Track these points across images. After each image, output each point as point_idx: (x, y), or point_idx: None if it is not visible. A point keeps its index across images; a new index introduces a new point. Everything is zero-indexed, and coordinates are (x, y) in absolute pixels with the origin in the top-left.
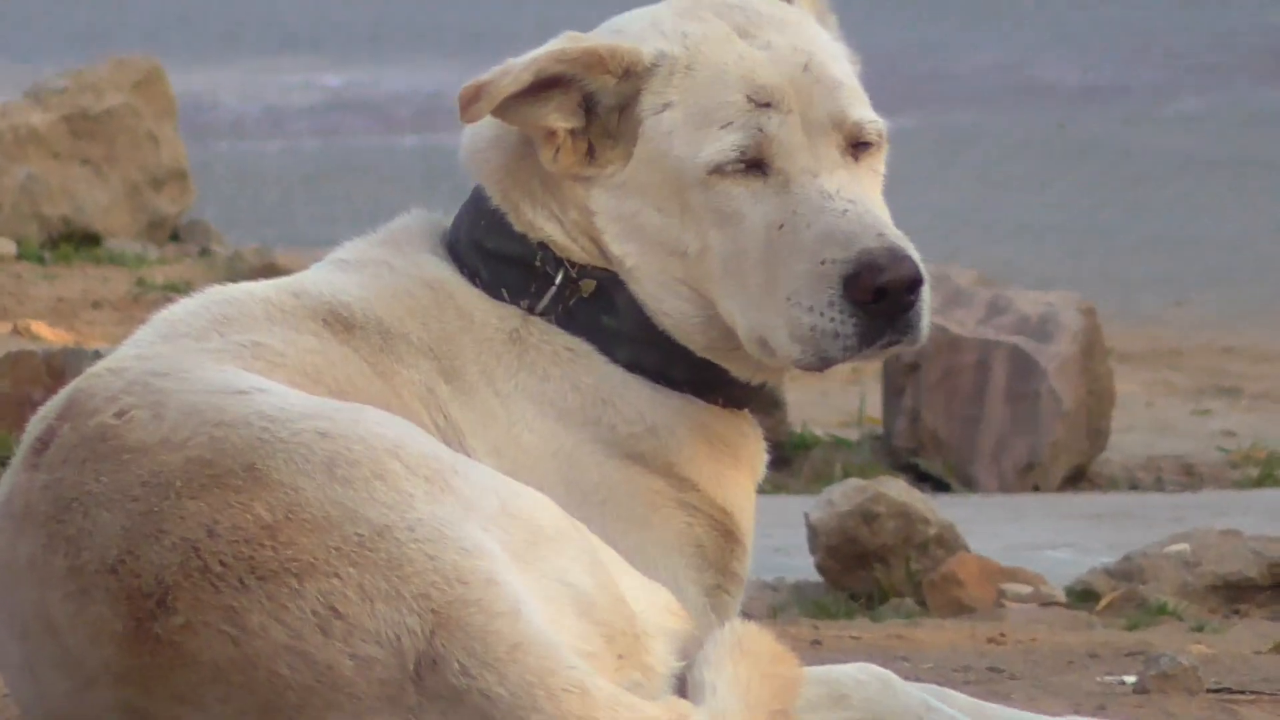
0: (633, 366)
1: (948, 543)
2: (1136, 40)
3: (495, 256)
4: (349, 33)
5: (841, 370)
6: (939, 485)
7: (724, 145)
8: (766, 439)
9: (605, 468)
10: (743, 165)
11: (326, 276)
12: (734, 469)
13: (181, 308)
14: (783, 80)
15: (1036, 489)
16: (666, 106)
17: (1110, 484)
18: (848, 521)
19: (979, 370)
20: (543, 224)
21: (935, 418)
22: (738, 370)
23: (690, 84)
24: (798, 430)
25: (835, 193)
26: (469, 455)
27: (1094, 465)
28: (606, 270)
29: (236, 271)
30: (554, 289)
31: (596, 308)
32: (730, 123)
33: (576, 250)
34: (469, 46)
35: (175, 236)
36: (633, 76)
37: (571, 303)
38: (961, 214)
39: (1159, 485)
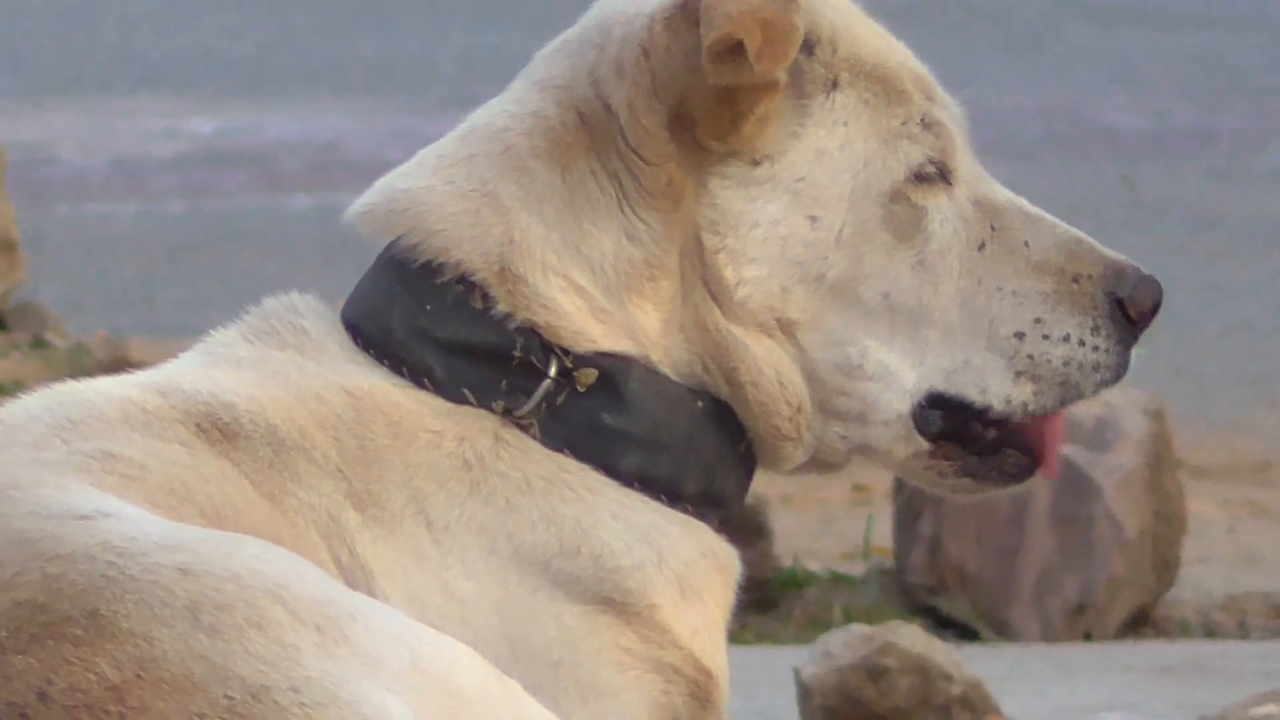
0: (639, 478)
1: (976, 705)
2: (1220, 78)
3: (452, 349)
4: (224, 67)
5: (840, 489)
6: (966, 633)
7: (921, 146)
8: (747, 576)
9: (566, 619)
10: (935, 170)
11: (205, 372)
12: (714, 611)
13: (15, 409)
14: (924, 70)
15: (1089, 637)
16: (835, 86)
17: (1181, 630)
18: (850, 678)
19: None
20: (550, 298)
21: (962, 547)
22: (786, 461)
23: (854, 63)
24: (787, 565)
25: (1021, 201)
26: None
27: (1161, 606)
28: (612, 355)
29: (80, 367)
30: (543, 387)
31: (595, 405)
32: (912, 118)
33: (587, 330)
34: (372, 85)
35: (1, 324)
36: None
37: (560, 401)
38: None
39: (1242, 631)
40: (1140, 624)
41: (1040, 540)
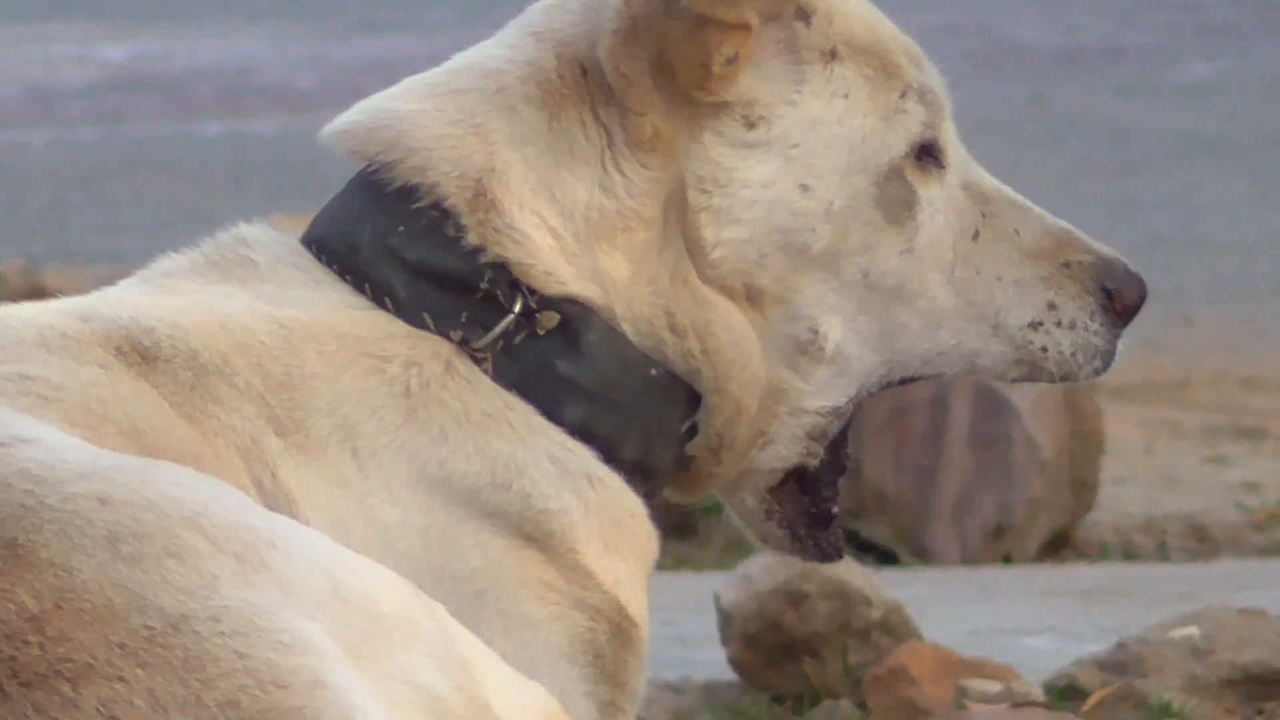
0: (580, 430)
1: (895, 629)
2: None
3: (420, 272)
4: None
5: None
6: (885, 557)
7: (915, 118)
8: (665, 501)
9: (490, 550)
10: (928, 147)
11: (129, 299)
12: (636, 570)
13: None
14: (911, 40)
15: (1008, 559)
16: (834, 57)
17: (1101, 552)
18: (770, 604)
19: (934, 409)
20: (523, 232)
21: (880, 470)
22: (729, 448)
23: (850, 36)
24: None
25: (1004, 188)
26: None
27: (1080, 528)
28: (576, 301)
29: None
30: (504, 322)
31: (550, 349)
32: (910, 91)
33: (557, 272)
34: (284, 10)
35: None
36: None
37: (518, 340)
38: None
39: (1162, 553)
40: (1060, 546)
41: (958, 461)
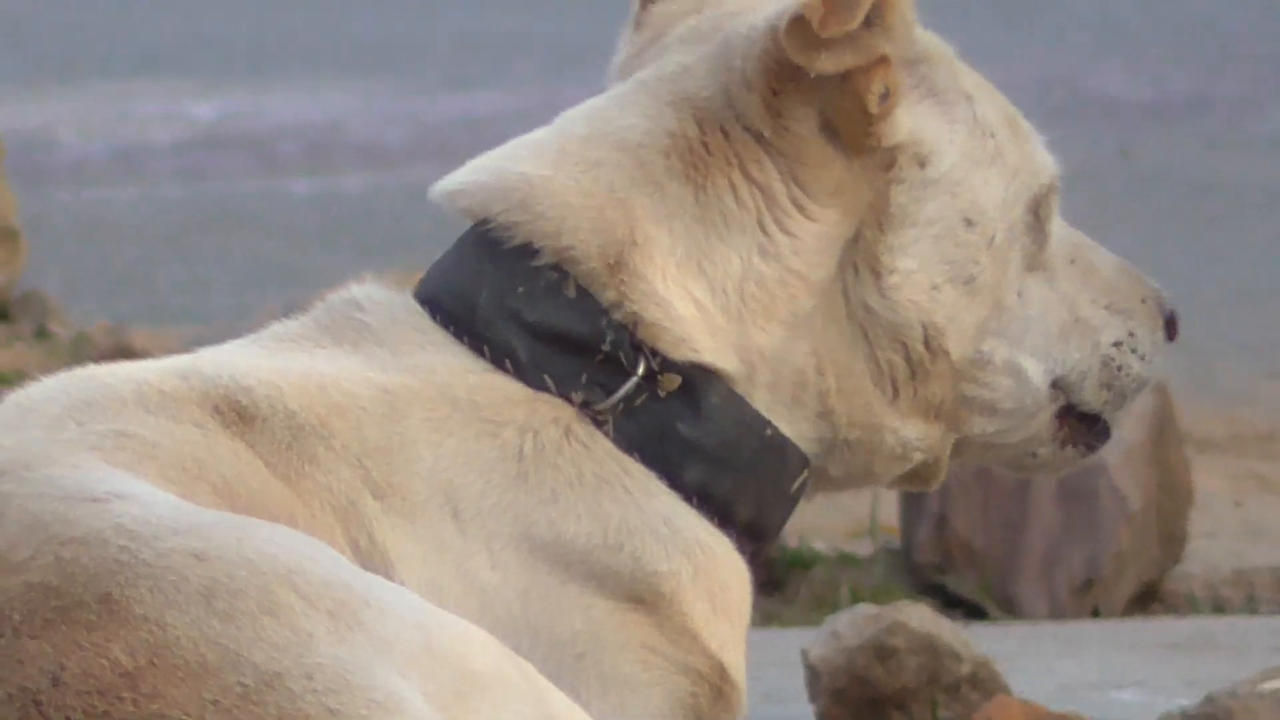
0: (699, 493)
1: (984, 683)
2: (1216, 44)
3: (540, 333)
4: (222, 50)
5: None
6: (973, 611)
7: (1048, 161)
8: (755, 560)
9: (594, 612)
10: (1048, 189)
11: (232, 357)
12: (740, 632)
13: (33, 391)
14: None
15: (1096, 613)
16: (971, 99)
17: (1189, 605)
18: (858, 659)
19: None
20: (664, 299)
21: (967, 524)
22: (895, 459)
23: (969, 78)
24: (793, 545)
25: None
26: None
27: (1168, 581)
28: (700, 366)
29: (82, 356)
30: (627, 385)
31: (672, 411)
32: (1031, 134)
33: (692, 340)
34: (371, 66)
35: (3, 313)
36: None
37: (639, 402)
38: None
39: (1250, 606)
40: (1148, 599)
41: (1046, 514)
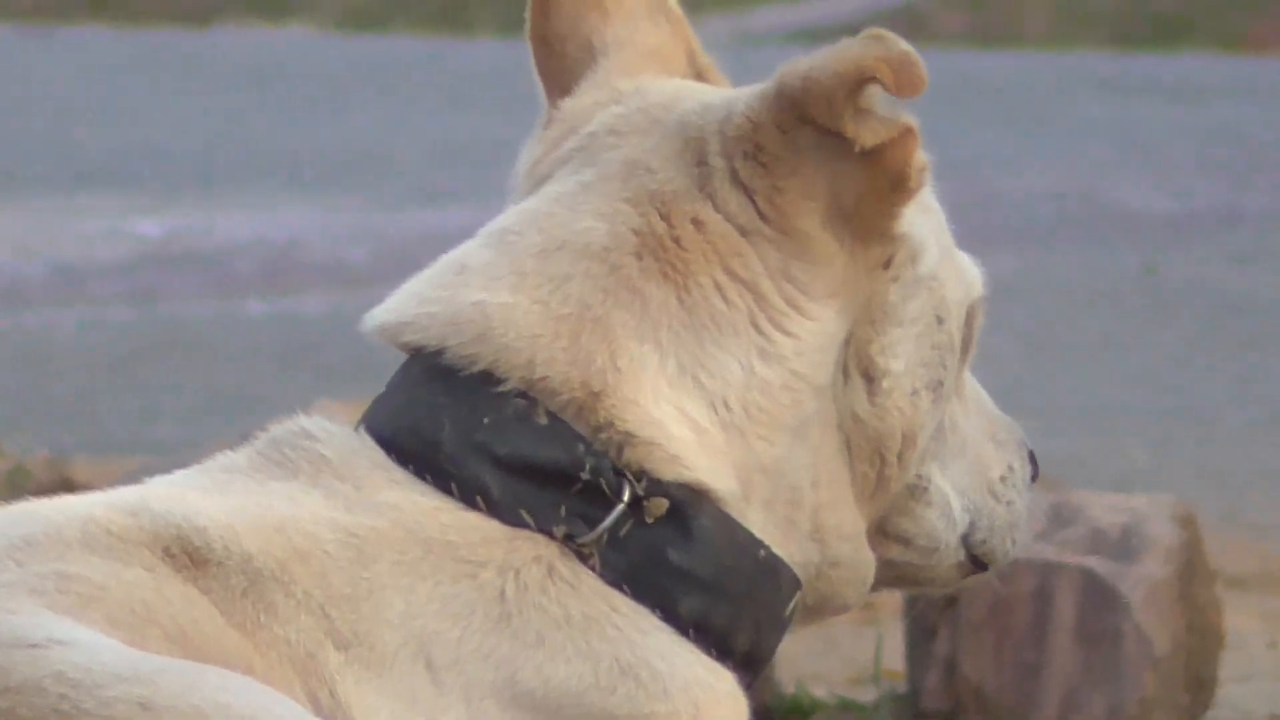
0: (696, 624)
1: None
2: (1245, 154)
3: (513, 467)
4: (171, 163)
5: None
6: None
7: (981, 281)
8: (750, 704)
9: None
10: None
11: (184, 493)
12: None
13: None
14: None
15: None
16: (929, 210)
17: None
18: None
19: (1038, 602)
20: (655, 420)
21: (979, 668)
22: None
23: None
24: (789, 691)
25: None
26: None
27: None
28: (687, 486)
29: (19, 489)
30: (614, 514)
31: (662, 538)
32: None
33: (685, 458)
34: (333, 178)
35: None
36: None
37: (624, 531)
38: (1010, 389)
39: None
40: None
41: (1064, 657)
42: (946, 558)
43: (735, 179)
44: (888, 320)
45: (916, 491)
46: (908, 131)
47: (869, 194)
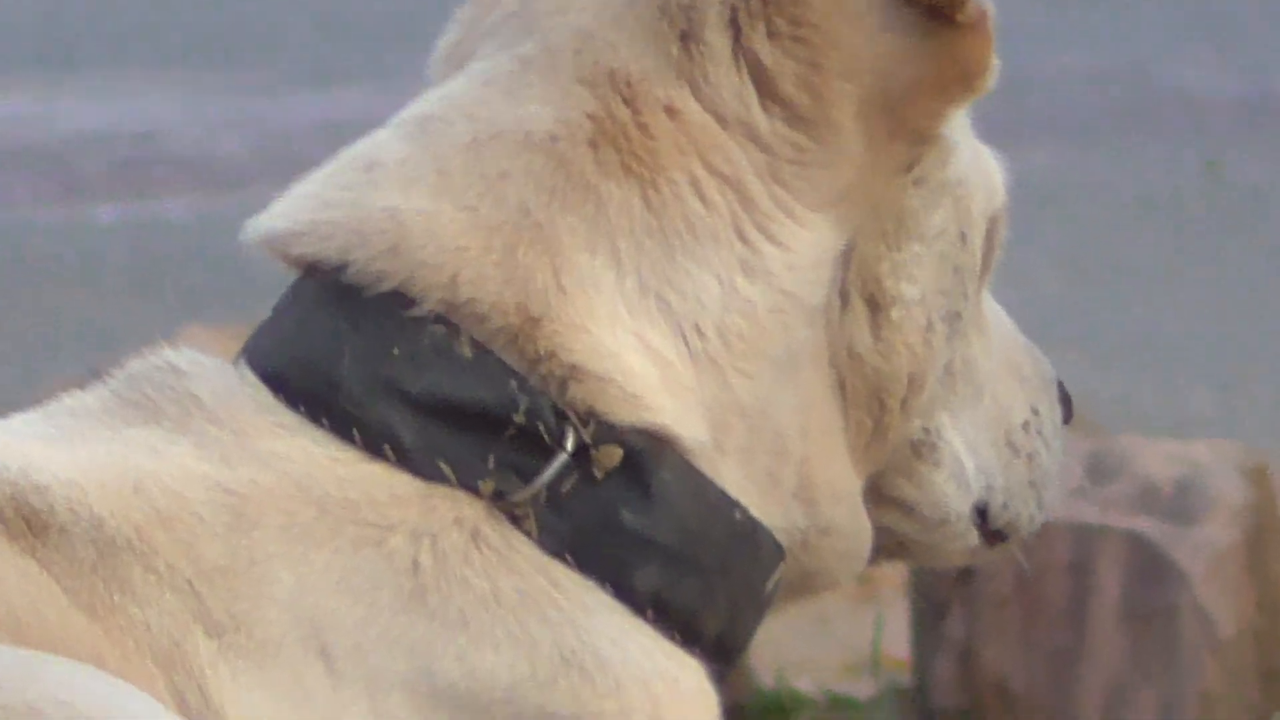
0: (655, 603)
1: None
2: None
3: (430, 408)
4: (4, 40)
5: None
6: None
7: (1005, 187)
8: (721, 701)
9: None
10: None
11: (23, 444)
12: None
13: None
14: None
15: None
16: (965, 132)
17: None
18: None
19: (1075, 575)
20: (612, 350)
21: (1002, 655)
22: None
23: None
24: (767, 685)
25: None
26: None
27: None
28: (646, 431)
29: None
30: (555, 465)
31: (614, 496)
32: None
33: (646, 398)
34: (201, 59)
35: None
36: None
37: (567, 487)
38: (1042, 317)
39: None
40: None
41: (1107, 644)
42: (957, 530)
43: (743, 58)
44: (904, 234)
45: (922, 448)
46: (988, 17)
47: (930, 84)
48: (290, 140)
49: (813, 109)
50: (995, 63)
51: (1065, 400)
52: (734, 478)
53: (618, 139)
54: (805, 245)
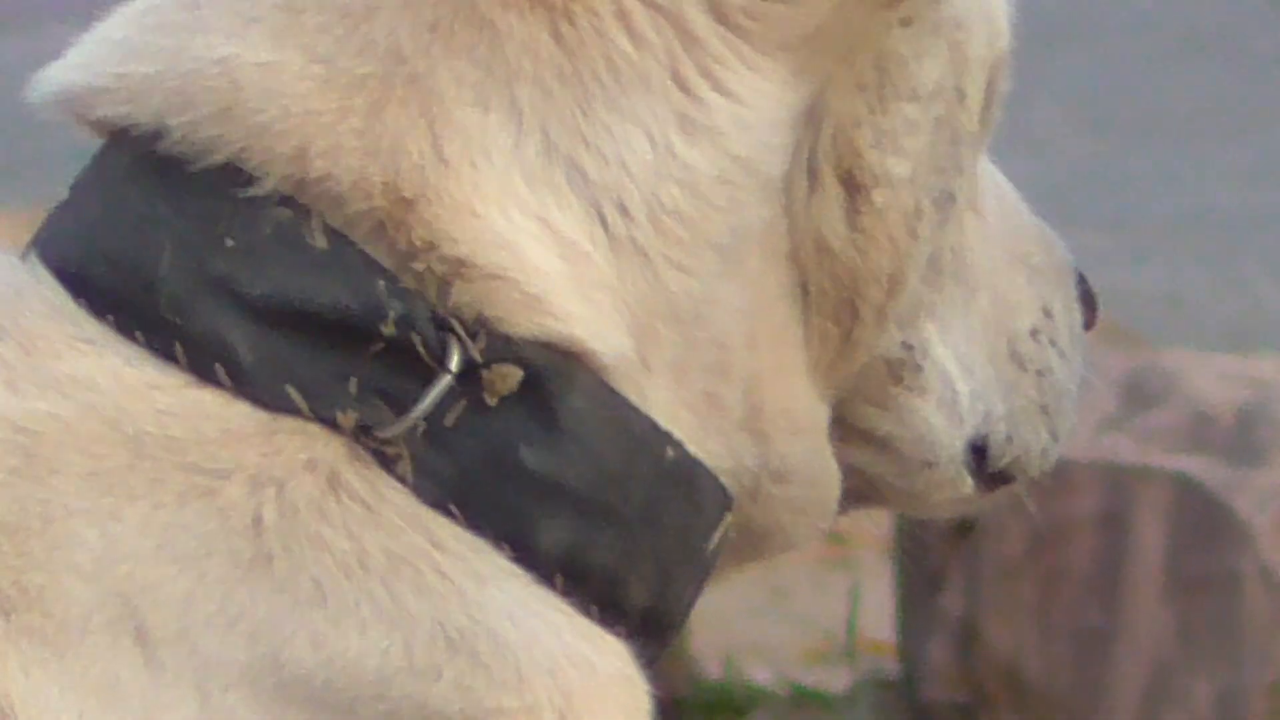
0: (564, 567)
1: None
2: None
3: (273, 315)
4: None
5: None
6: None
7: (1010, 21)
8: (653, 693)
9: None
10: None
11: None
12: None
13: None
14: None
15: None
16: None
17: None
18: None
19: (1106, 531)
20: (509, 238)
21: (1012, 638)
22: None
23: None
24: (714, 675)
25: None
26: None
27: None
28: (553, 346)
29: None
30: (435, 390)
31: (509, 429)
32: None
33: (550, 301)
34: None
35: None
36: None
37: (452, 418)
38: (1062, 185)
39: None
40: None
41: (1148, 620)
42: (945, 475)
43: None
44: (889, 90)
45: (902, 369)
46: None
47: None
48: None
49: None
50: None
51: (1088, 299)
52: (664, 404)
53: None
54: (761, 98)
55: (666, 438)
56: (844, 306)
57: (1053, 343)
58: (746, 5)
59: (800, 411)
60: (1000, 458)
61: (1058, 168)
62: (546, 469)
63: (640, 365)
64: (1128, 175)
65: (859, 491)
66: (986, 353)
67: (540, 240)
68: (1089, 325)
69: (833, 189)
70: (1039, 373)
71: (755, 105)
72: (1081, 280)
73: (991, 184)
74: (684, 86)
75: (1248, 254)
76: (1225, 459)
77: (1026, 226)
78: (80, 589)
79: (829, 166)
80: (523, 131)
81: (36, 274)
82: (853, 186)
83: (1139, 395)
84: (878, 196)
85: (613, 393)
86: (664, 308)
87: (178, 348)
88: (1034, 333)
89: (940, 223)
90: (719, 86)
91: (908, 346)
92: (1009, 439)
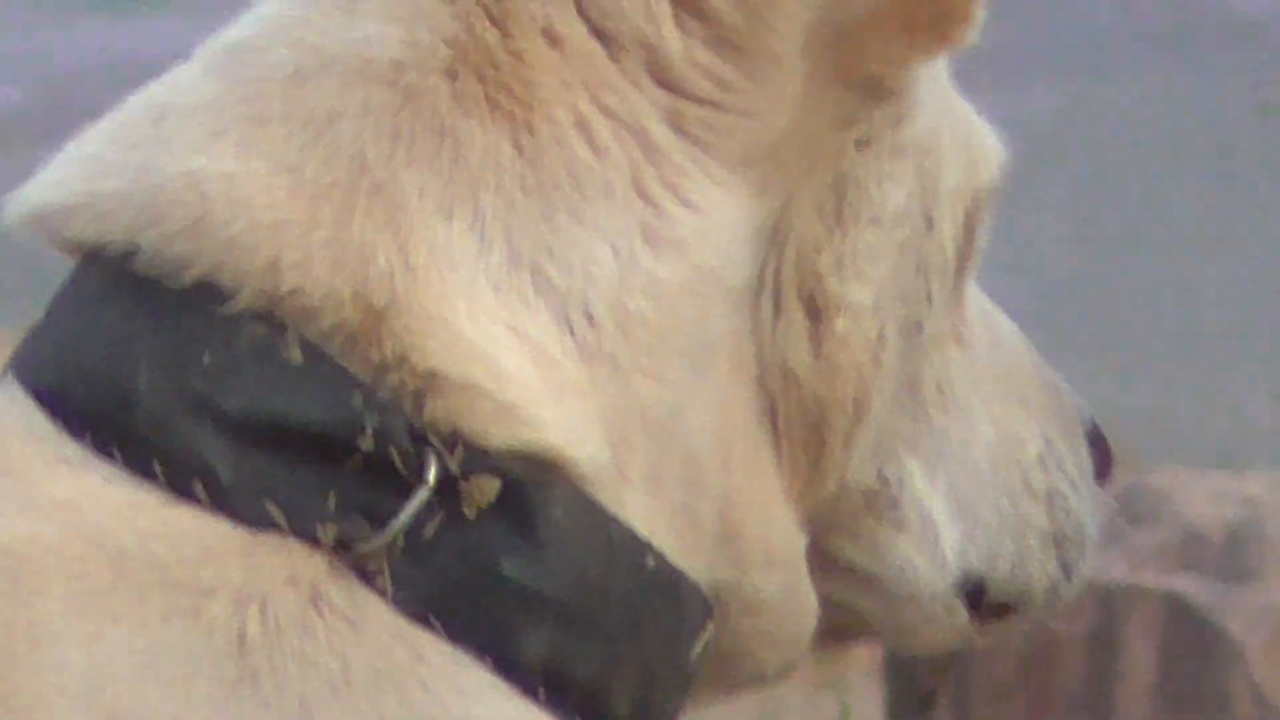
0: (547, 676)
1: None
2: None
3: (252, 431)
4: None
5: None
6: None
7: (999, 158)
8: None
9: None
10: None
11: None
12: None
13: None
14: None
15: None
16: (936, 79)
17: None
18: None
19: (1096, 650)
20: (480, 348)
21: None
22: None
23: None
24: None
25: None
26: None
27: None
28: (530, 456)
29: None
30: (414, 503)
31: (490, 541)
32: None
33: (524, 409)
34: None
35: None
36: None
37: (430, 531)
38: (1050, 300)
39: None
40: None
41: None
42: (931, 611)
43: None
44: (850, 213)
45: (877, 502)
46: None
47: (894, 23)
48: (72, 82)
49: (747, 32)
50: (979, 13)
51: (1100, 445)
52: (642, 513)
53: (482, 67)
54: (723, 212)
55: (647, 547)
56: (811, 433)
57: (1060, 468)
58: (704, 116)
59: (776, 539)
60: (1003, 591)
61: (1043, 283)
62: (527, 580)
63: (617, 474)
64: (1115, 290)
65: (846, 626)
66: (1000, 488)
67: (511, 348)
68: (1103, 474)
69: (796, 314)
70: (1049, 496)
71: (718, 219)
72: (1095, 429)
73: (980, 314)
74: (646, 197)
75: (1237, 370)
76: (1216, 578)
77: (1025, 366)
78: (66, 713)
79: (792, 290)
80: (487, 239)
81: (12, 394)
82: (815, 312)
83: (1129, 514)
84: (839, 324)
85: (591, 502)
86: (637, 416)
87: (156, 465)
88: (1040, 459)
89: (905, 351)
90: (682, 198)
91: (883, 479)
92: (1012, 573)
